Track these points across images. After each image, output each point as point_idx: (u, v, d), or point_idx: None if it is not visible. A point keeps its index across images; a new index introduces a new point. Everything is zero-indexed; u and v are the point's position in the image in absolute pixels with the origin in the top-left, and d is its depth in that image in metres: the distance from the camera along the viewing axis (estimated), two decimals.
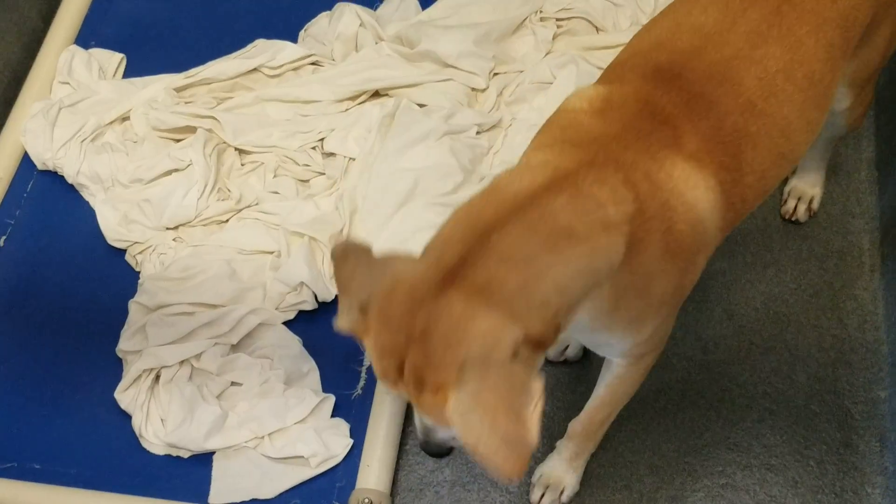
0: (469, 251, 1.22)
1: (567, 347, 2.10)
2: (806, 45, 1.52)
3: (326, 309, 2.19)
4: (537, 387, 1.16)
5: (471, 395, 1.15)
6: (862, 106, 1.96)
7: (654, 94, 1.46)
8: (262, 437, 2.01)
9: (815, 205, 2.31)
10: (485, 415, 1.14)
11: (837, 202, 2.34)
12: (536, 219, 1.26)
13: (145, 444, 2.06)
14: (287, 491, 1.98)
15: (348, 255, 1.29)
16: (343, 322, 1.29)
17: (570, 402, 2.08)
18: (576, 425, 1.86)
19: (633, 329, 1.51)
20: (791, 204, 2.31)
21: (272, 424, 2.00)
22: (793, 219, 2.31)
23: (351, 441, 2.00)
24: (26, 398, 2.16)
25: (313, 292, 2.15)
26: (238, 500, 1.97)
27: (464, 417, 1.15)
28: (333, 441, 1.99)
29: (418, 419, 1.41)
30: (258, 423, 2.01)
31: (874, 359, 2.14)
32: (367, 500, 1.89)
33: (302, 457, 1.99)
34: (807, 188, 2.30)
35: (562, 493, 1.95)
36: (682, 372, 2.12)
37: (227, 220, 2.30)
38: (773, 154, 1.52)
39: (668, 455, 2.03)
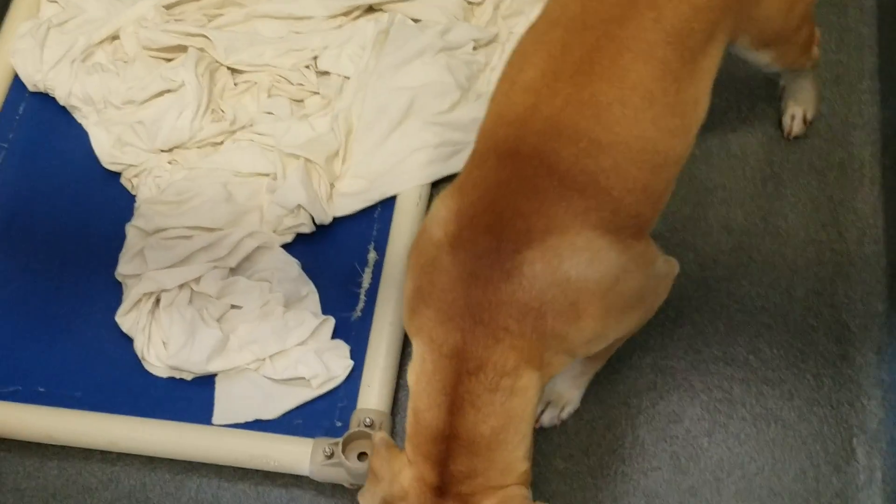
0: (446, 452, 1.46)
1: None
2: (634, 70, 1.52)
3: (324, 232, 2.18)
4: None
5: None
6: (794, 51, 1.97)
7: (500, 186, 1.48)
8: (264, 360, 2.02)
9: (810, 114, 2.27)
10: None
11: (838, 113, 2.32)
12: (468, 410, 1.46)
13: (148, 367, 2.08)
14: (289, 412, 2.00)
15: (381, 452, 1.54)
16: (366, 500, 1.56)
17: None
18: None
19: (604, 338, 1.61)
20: (787, 121, 2.28)
21: (273, 347, 2.02)
22: (791, 136, 2.28)
23: (351, 362, 2.02)
24: (28, 322, 2.18)
25: (310, 215, 2.15)
26: (241, 421, 2.00)
27: None
28: (334, 362, 2.01)
29: None
30: (259, 346, 2.02)
31: (873, 272, 2.14)
32: (368, 420, 1.91)
33: (303, 378, 2.01)
34: (797, 108, 2.27)
35: (562, 409, 1.98)
36: (680, 289, 2.11)
37: (222, 143, 2.28)
38: (646, 170, 1.53)
39: (665, 371, 2.05)
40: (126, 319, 2.10)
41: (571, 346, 1.53)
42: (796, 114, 2.26)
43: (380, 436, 1.58)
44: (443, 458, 1.47)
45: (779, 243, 2.18)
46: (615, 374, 2.04)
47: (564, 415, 1.98)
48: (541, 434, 1.99)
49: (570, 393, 1.97)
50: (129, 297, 2.11)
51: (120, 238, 2.20)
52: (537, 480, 1.95)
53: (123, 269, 2.15)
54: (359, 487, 1.93)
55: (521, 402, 1.50)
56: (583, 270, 1.47)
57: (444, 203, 1.55)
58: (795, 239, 2.18)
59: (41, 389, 2.10)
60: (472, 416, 1.46)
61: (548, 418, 1.97)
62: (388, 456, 1.54)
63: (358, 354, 2.03)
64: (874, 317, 2.10)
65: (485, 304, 1.45)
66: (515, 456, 1.51)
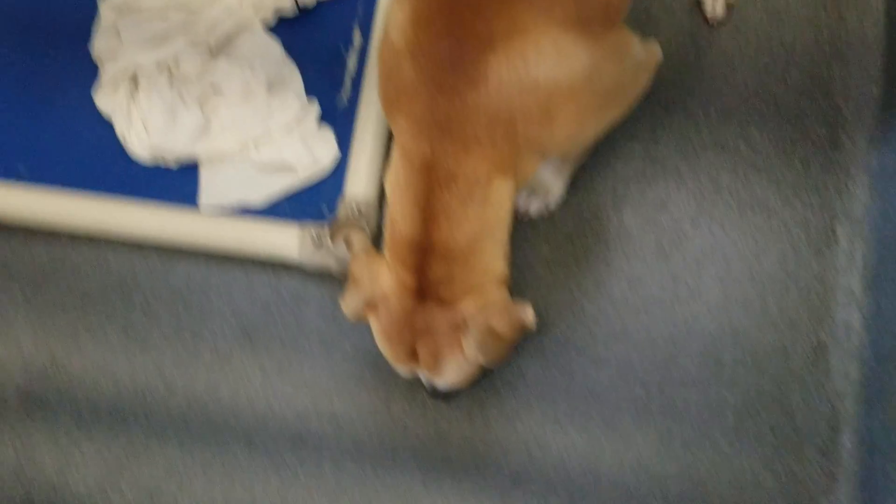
0: (423, 260, 1.51)
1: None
2: None
3: (307, 15, 2.09)
4: (528, 310, 1.56)
5: (479, 337, 1.53)
6: None
7: None
8: (248, 145, 1.99)
9: (553, 203, 2.04)
10: (493, 340, 1.54)
11: None
12: (442, 221, 1.49)
13: (130, 150, 2.04)
14: (276, 199, 1.99)
15: (360, 256, 1.61)
16: (349, 308, 1.61)
17: None
18: None
19: (581, 138, 1.64)
20: (709, 4, 2.09)
21: (256, 129, 1.98)
22: (714, 23, 2.09)
23: (338, 149, 1.99)
24: (5, 99, 2.12)
25: None
26: (227, 205, 1.99)
27: (481, 349, 1.55)
28: (320, 149, 1.98)
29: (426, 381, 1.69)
30: (242, 130, 1.98)
31: (870, 54, 2.09)
32: (355, 207, 1.91)
33: (289, 164, 1.98)
34: None
35: (549, 198, 1.97)
36: (674, 73, 2.07)
37: None
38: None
39: (655, 159, 2.03)
40: (104, 100, 2.05)
41: (546, 150, 1.51)
42: None
43: (358, 241, 1.61)
44: (420, 266, 1.51)
45: (777, 25, 2.11)
46: (603, 162, 2.03)
47: (551, 204, 1.98)
48: (527, 223, 2.00)
49: (555, 183, 1.96)
50: (106, 75, 2.04)
51: (94, 12, 2.11)
52: (522, 268, 1.98)
53: (98, 45, 2.08)
54: (346, 274, 1.96)
55: (495, 210, 1.52)
56: (551, 72, 1.42)
57: (400, 5, 1.47)
58: (794, 20, 2.11)
59: (22, 168, 2.07)
60: (445, 227, 1.48)
61: (534, 208, 1.97)
62: (368, 261, 1.58)
63: (344, 140, 2.00)
64: (868, 101, 2.06)
65: (451, 114, 1.41)
66: (493, 261, 1.56)
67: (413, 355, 1.60)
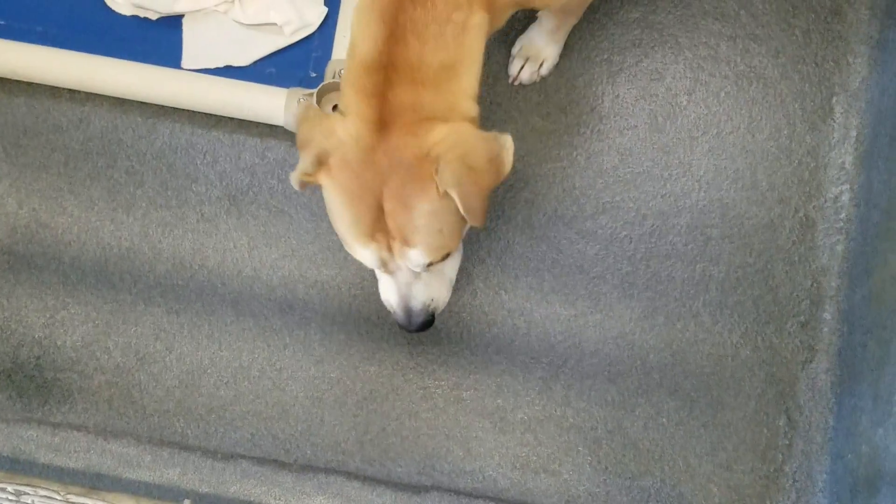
0: (384, 82, 1.39)
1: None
2: None
3: None
4: (506, 139, 1.45)
5: (453, 166, 1.38)
6: None
7: None
8: (233, 2, 1.92)
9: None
10: (469, 174, 1.38)
11: None
12: (410, 40, 1.39)
13: (110, 3, 1.97)
14: (262, 60, 1.94)
15: (308, 117, 1.47)
16: (296, 173, 1.44)
17: None
18: None
19: None
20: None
21: None
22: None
23: (326, 9, 1.93)
24: None
25: None
26: (211, 66, 1.93)
27: (455, 181, 1.37)
28: (307, 9, 1.91)
29: (394, 290, 1.55)
30: None
31: None
32: (342, 71, 1.86)
33: (275, 24, 1.92)
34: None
35: (541, 65, 1.93)
36: None
37: None
38: None
39: (652, 27, 1.97)
40: None
41: None
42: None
43: (304, 102, 1.54)
44: (381, 90, 1.39)
45: None
46: (600, 29, 1.97)
47: (544, 70, 1.93)
48: (519, 92, 1.96)
49: (547, 48, 1.91)
50: None
51: None
52: (513, 138, 1.94)
53: None
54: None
55: (473, 39, 1.44)
56: None
57: None
58: None
59: (0, 22, 2.00)
60: (415, 46, 1.39)
61: (527, 74, 1.93)
62: (318, 119, 1.46)
63: (333, 2, 1.93)
64: None
65: None
66: (465, 95, 1.45)
67: (378, 219, 1.42)
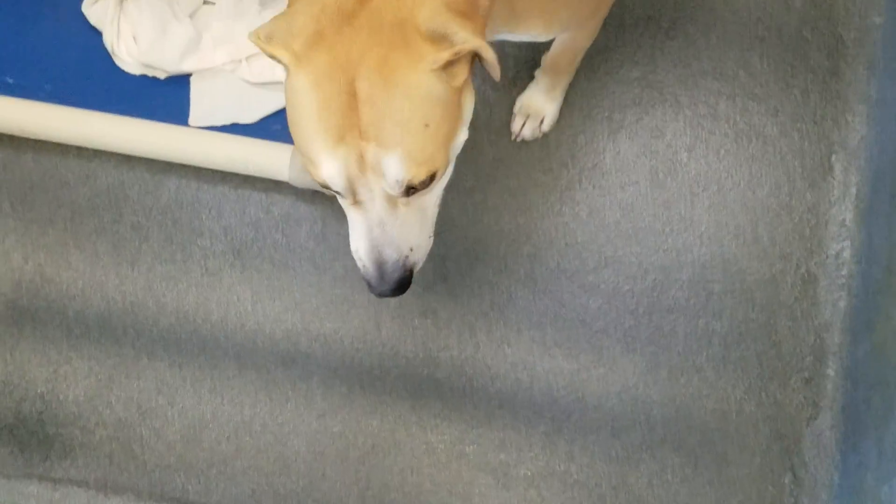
0: None
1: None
2: None
3: None
4: None
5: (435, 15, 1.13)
6: None
7: None
8: (240, 61, 1.95)
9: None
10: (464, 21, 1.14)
11: None
12: None
13: (119, 63, 2.00)
14: (268, 116, 1.96)
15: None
16: (264, 30, 1.17)
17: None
18: (546, 60, 1.84)
19: (549, 12, 1.43)
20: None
21: (249, 47, 1.94)
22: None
23: None
24: None
25: None
26: (218, 124, 1.96)
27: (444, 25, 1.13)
28: None
29: (364, 233, 1.24)
30: (234, 46, 1.95)
31: None
32: None
33: (281, 83, 1.95)
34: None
35: (542, 122, 1.95)
36: None
37: None
38: None
39: (653, 85, 2.00)
40: (93, 10, 2.00)
41: None
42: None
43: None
44: None
45: None
46: (601, 88, 2.00)
47: (545, 127, 1.95)
48: (522, 148, 1.98)
49: (546, 106, 1.94)
50: None
51: None
52: (515, 192, 1.97)
53: None
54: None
55: None
56: None
57: None
58: None
59: (9, 80, 2.03)
60: None
61: (528, 131, 1.95)
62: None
63: None
64: (870, 30, 2.03)
65: None
66: None
67: (350, 110, 1.13)
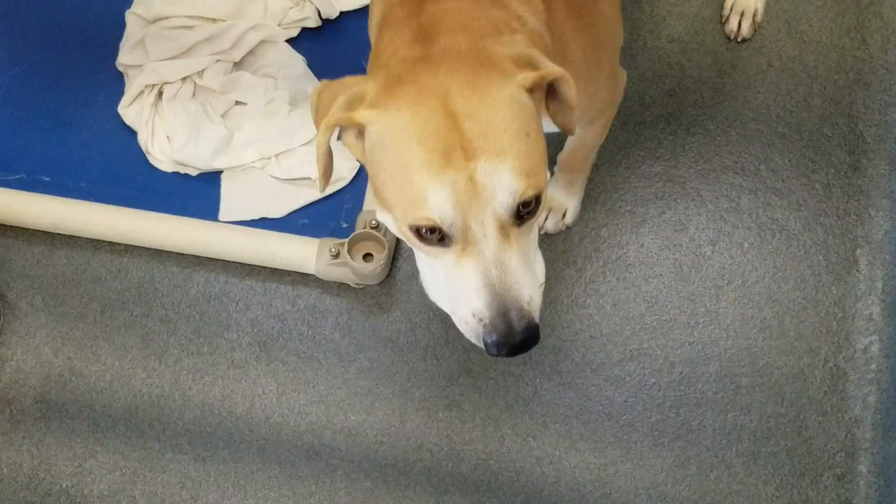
0: (422, 37, 1.18)
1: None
2: None
3: (331, 27, 2.11)
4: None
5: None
6: None
7: None
8: (269, 158, 2.00)
9: (759, 17, 2.11)
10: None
11: None
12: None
13: (153, 161, 2.06)
14: (295, 211, 2.00)
15: (323, 88, 1.20)
16: (335, 112, 1.14)
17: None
18: (561, 158, 1.87)
19: None
20: (734, 21, 2.11)
21: (279, 146, 1.99)
22: (738, 38, 2.11)
23: (358, 164, 2.00)
24: (30, 110, 2.15)
25: (316, 8, 2.07)
26: (247, 219, 2.00)
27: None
28: (340, 163, 1.99)
29: (479, 278, 1.11)
30: (264, 144, 2.00)
31: (893, 80, 2.09)
32: (374, 222, 1.91)
33: (309, 178, 1.99)
34: (749, 1, 2.10)
35: (564, 215, 1.98)
36: (696, 96, 2.07)
37: None
38: None
39: (674, 180, 2.03)
40: (129, 111, 2.07)
41: None
42: (746, 12, 2.09)
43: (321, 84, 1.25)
44: (418, 6, 1.23)
45: (800, 49, 2.11)
46: (623, 182, 2.03)
47: (568, 220, 1.98)
48: (545, 240, 2.00)
49: (567, 200, 1.96)
50: (132, 88, 2.06)
51: (120, 25, 2.13)
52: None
53: (124, 58, 2.10)
54: (364, 286, 1.96)
55: None
56: None
57: None
58: (818, 44, 2.11)
59: (46, 178, 2.09)
60: None
61: (552, 224, 1.97)
62: (338, 82, 1.21)
63: None
64: (890, 127, 2.06)
65: None
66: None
67: (450, 129, 1.08)
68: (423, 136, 1.08)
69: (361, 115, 1.12)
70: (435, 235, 1.11)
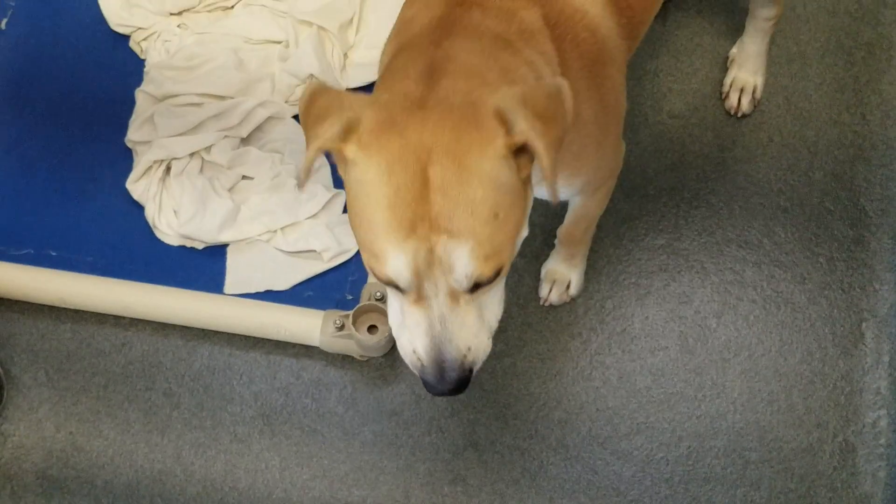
0: (441, 35, 1.24)
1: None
2: None
3: None
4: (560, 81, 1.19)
5: (517, 107, 1.14)
6: None
7: None
8: (275, 232, 2.02)
9: (759, 93, 2.14)
10: (535, 120, 1.13)
11: None
12: (470, 32, 1.25)
13: (159, 235, 2.07)
14: (300, 283, 2.01)
15: (319, 93, 1.21)
16: (325, 137, 1.16)
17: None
18: (561, 231, 1.88)
19: (576, 166, 1.48)
20: (734, 98, 2.13)
21: (284, 219, 2.01)
22: (738, 113, 2.14)
23: None
24: (39, 185, 2.17)
25: None
26: (252, 291, 2.01)
27: (525, 122, 1.13)
28: (345, 236, 2.01)
29: (424, 329, 1.20)
30: (270, 218, 2.01)
31: (894, 155, 2.11)
32: (378, 294, 1.92)
33: (314, 251, 2.00)
34: (748, 77, 2.13)
35: (568, 287, 1.98)
36: (698, 170, 2.09)
37: (233, 7, 2.22)
38: None
39: (678, 253, 2.04)
40: (136, 186, 2.09)
41: None
42: (745, 88, 2.12)
43: (313, 81, 1.30)
44: (435, 40, 1.26)
45: (800, 124, 2.14)
46: (626, 255, 2.04)
47: (573, 292, 1.98)
48: (550, 313, 2.00)
49: (569, 272, 1.97)
50: (140, 163, 2.09)
51: (129, 103, 2.17)
52: (545, 357, 1.97)
53: (133, 135, 2.13)
54: (369, 359, 1.96)
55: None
56: (579, 19, 1.38)
57: None
58: (818, 120, 2.14)
59: (52, 253, 2.10)
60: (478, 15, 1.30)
61: (556, 296, 1.98)
62: (337, 92, 1.22)
63: None
64: (892, 201, 2.07)
65: None
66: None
67: (421, 199, 1.12)
68: (394, 201, 1.13)
69: (350, 149, 1.16)
70: (393, 285, 1.20)
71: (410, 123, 1.14)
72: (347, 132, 1.16)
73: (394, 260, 1.15)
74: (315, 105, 1.19)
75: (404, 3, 1.44)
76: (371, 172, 1.14)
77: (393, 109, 1.17)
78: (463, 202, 1.13)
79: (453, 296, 1.18)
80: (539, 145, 1.13)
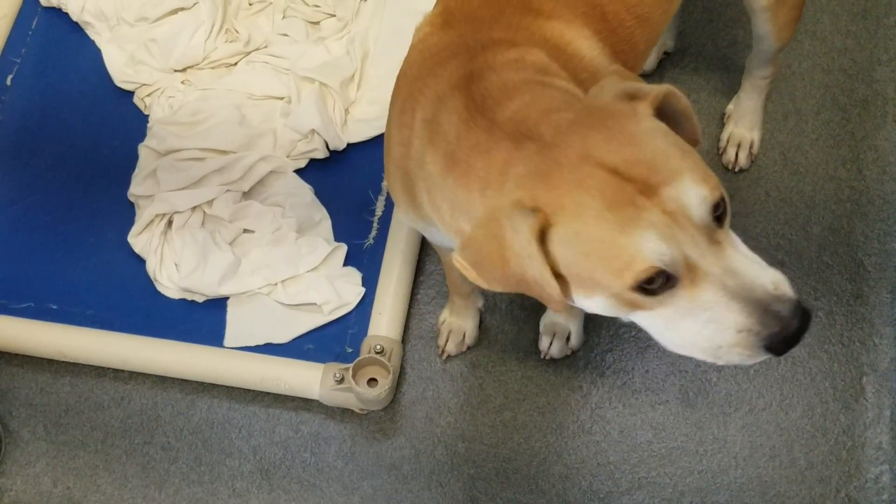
0: (518, 134, 1.19)
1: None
2: None
3: (338, 158, 2.16)
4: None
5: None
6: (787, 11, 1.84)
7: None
8: (276, 285, 2.02)
9: (756, 149, 2.16)
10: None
11: (865, 48, 2.27)
12: (507, 91, 1.24)
13: (160, 288, 2.08)
14: (300, 336, 2.01)
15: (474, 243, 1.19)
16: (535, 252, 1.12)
17: None
18: None
19: None
20: (731, 153, 2.16)
21: (285, 272, 2.02)
22: (735, 168, 2.16)
23: (363, 289, 2.02)
24: (41, 239, 2.18)
25: (324, 140, 2.13)
26: (252, 344, 2.01)
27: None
28: (346, 289, 2.01)
29: (722, 292, 1.10)
30: (271, 271, 2.02)
31: (891, 210, 2.12)
32: (378, 347, 1.92)
33: (315, 304, 2.01)
34: (744, 133, 2.16)
35: (568, 339, 1.98)
36: None
37: (236, 64, 2.25)
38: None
39: None
40: (138, 240, 2.10)
41: None
42: (742, 144, 2.15)
43: None
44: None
45: (797, 179, 2.15)
46: None
47: (573, 344, 1.98)
48: (550, 366, 2.00)
49: (568, 323, 1.97)
50: (142, 217, 2.10)
51: (132, 158, 2.19)
52: (545, 411, 1.97)
53: (136, 189, 2.15)
54: (368, 412, 1.95)
55: None
56: (578, 62, 1.38)
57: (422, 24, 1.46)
58: (815, 175, 2.16)
59: (53, 307, 2.10)
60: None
61: (556, 349, 1.98)
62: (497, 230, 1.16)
63: (370, 281, 2.03)
64: (890, 255, 2.08)
65: None
66: None
67: (619, 186, 1.09)
68: (604, 203, 1.09)
69: (554, 234, 1.12)
70: (661, 281, 1.10)
71: (555, 157, 1.13)
72: (533, 225, 1.11)
73: (646, 245, 1.08)
74: (478, 252, 1.17)
75: (397, 107, 1.43)
76: (571, 210, 1.11)
77: (532, 171, 1.14)
78: (653, 155, 1.10)
79: (714, 241, 1.11)
80: (673, 92, 1.15)
